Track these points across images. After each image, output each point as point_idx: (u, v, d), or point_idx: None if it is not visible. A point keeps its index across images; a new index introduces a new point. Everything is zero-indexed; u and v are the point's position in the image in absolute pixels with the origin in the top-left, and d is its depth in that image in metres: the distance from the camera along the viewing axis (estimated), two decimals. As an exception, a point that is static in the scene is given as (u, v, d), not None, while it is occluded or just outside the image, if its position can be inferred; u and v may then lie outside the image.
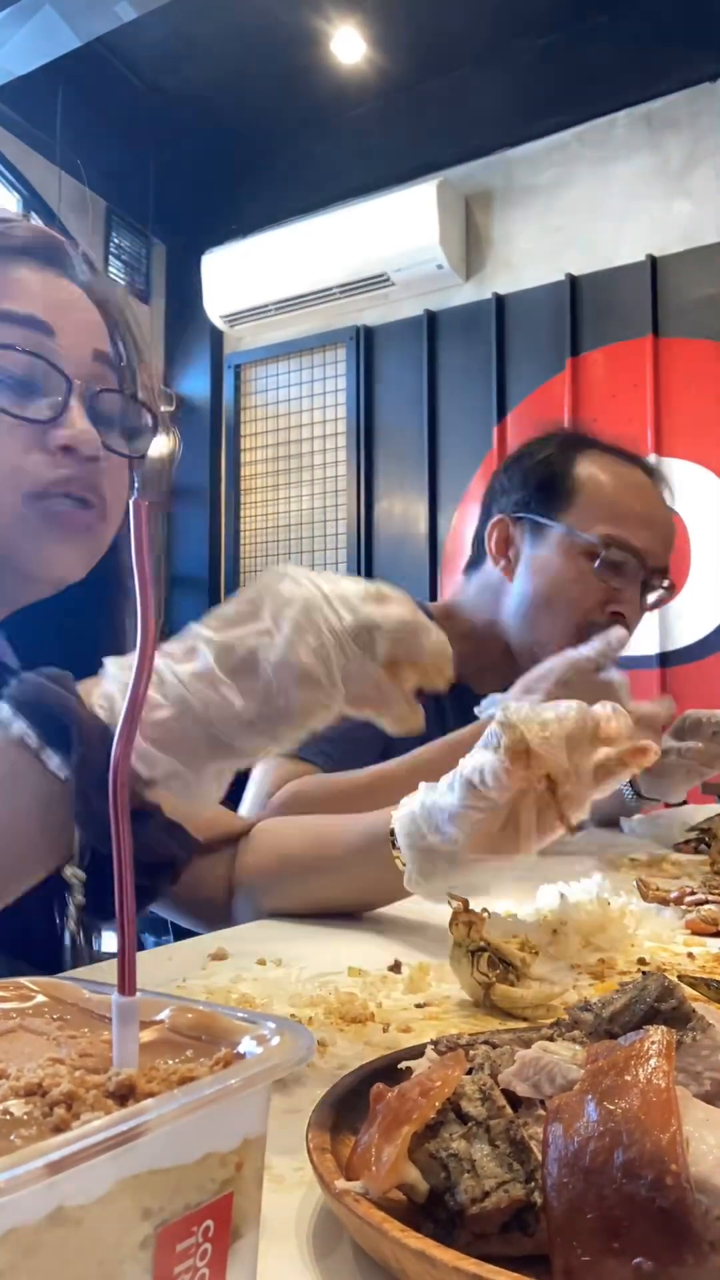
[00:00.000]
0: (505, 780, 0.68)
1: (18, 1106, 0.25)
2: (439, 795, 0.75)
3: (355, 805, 0.93)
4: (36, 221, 0.82)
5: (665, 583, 1.37)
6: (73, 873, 0.51)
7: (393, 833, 0.79)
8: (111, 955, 0.73)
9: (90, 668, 0.61)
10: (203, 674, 0.52)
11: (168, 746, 0.51)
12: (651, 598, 1.37)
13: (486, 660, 1.35)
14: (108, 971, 0.70)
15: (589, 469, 1.35)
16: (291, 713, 0.52)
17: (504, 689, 1.39)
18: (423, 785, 0.79)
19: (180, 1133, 0.24)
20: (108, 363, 0.78)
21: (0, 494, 0.71)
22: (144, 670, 0.32)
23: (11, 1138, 0.23)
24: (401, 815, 0.78)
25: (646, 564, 1.34)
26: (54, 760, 0.52)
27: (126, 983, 0.29)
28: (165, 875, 0.54)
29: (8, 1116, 0.25)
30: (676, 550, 3.69)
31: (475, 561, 1.42)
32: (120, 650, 0.76)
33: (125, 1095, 0.26)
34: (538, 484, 1.36)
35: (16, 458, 0.71)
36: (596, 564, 1.30)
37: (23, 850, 0.53)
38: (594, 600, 1.31)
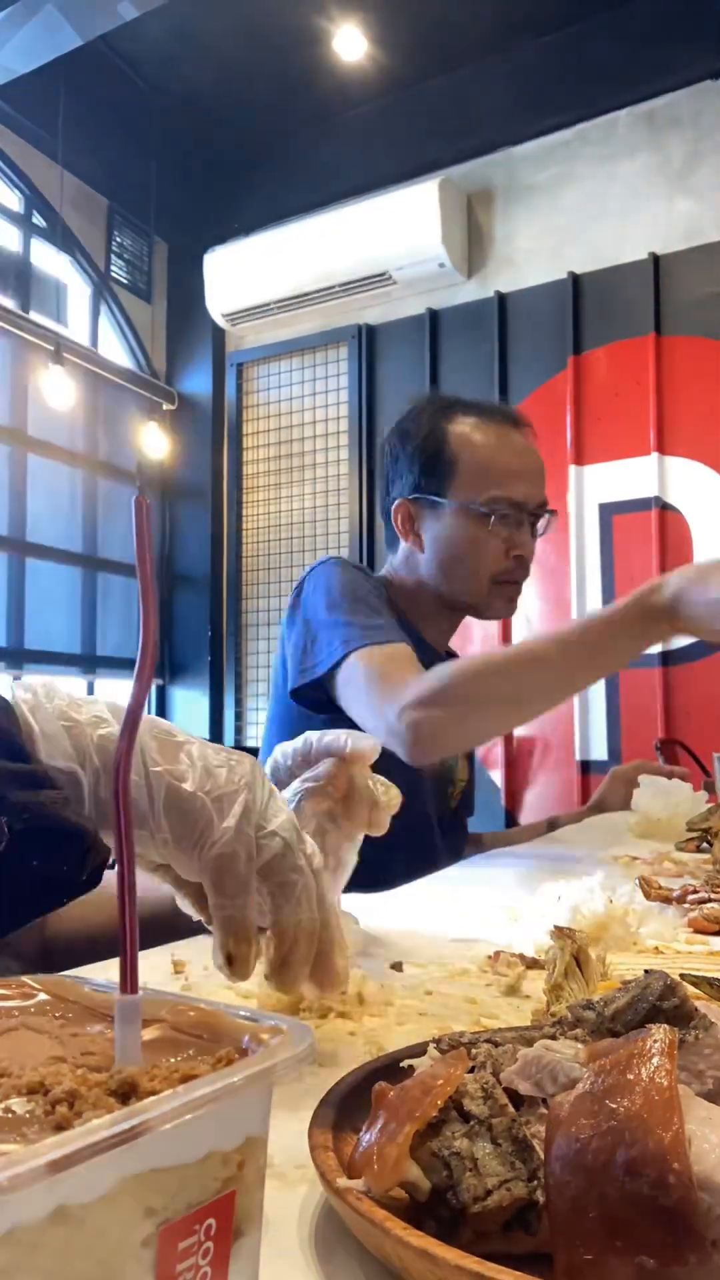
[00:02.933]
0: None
1: (20, 1105, 0.25)
2: None
3: (514, 678, 1.21)
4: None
5: (548, 512, 1.56)
6: None
7: None
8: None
9: None
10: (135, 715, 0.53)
11: (74, 744, 0.51)
12: (540, 526, 1.56)
13: (426, 614, 1.58)
14: (109, 969, 0.70)
15: (461, 439, 1.51)
16: (183, 808, 0.51)
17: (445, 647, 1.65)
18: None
19: (182, 1131, 0.24)
20: None
21: None
22: (146, 669, 0.32)
23: (13, 1136, 0.23)
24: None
25: (529, 508, 1.52)
26: None
27: (128, 981, 0.29)
28: (75, 852, 0.49)
29: (10, 1115, 0.24)
30: (677, 550, 3.70)
31: (394, 537, 1.61)
32: None
33: (127, 1093, 0.26)
34: (423, 465, 1.52)
35: None
36: (490, 525, 1.49)
37: None
38: (496, 553, 1.50)
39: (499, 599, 1.54)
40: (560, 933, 0.67)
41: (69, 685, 0.53)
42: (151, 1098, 0.25)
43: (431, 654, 1.55)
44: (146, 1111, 0.24)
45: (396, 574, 1.60)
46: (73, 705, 0.52)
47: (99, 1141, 0.22)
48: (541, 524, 1.55)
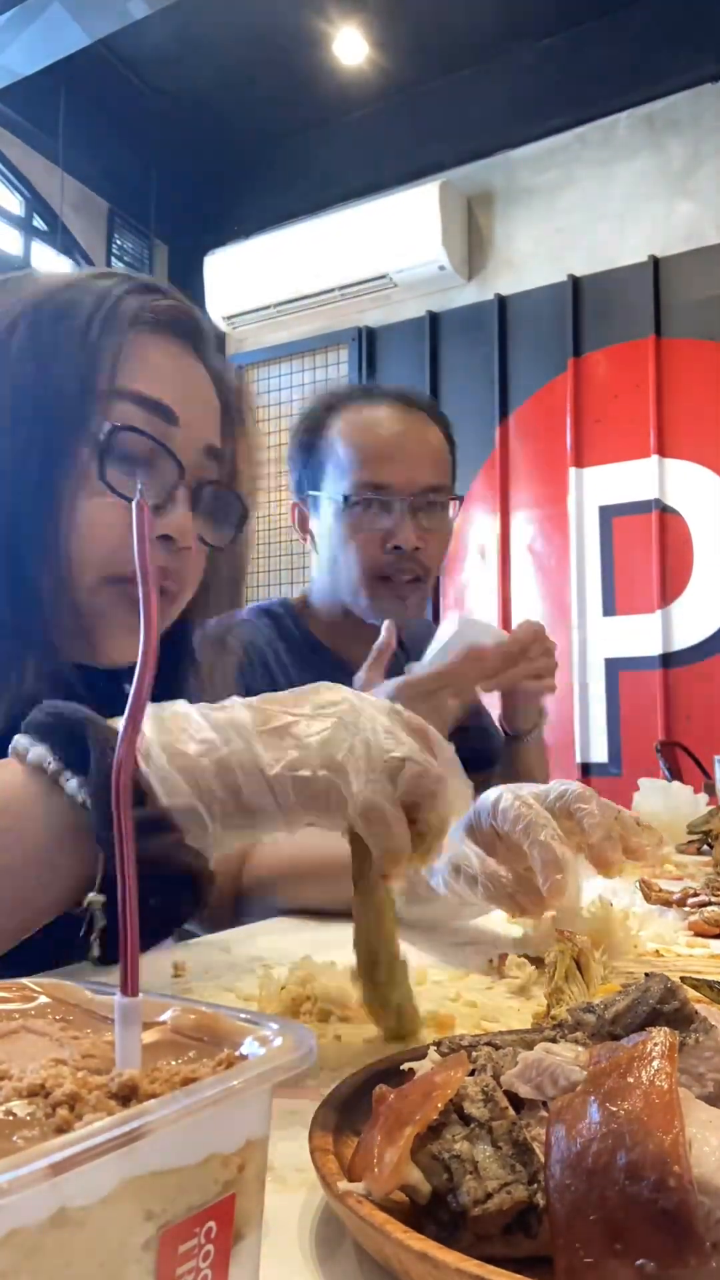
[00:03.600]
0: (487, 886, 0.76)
1: (20, 1107, 0.25)
2: None
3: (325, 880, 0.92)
4: (175, 292, 0.81)
5: (439, 497, 1.40)
6: (93, 898, 0.48)
7: None
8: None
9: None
10: (237, 724, 0.53)
11: (189, 780, 0.51)
12: (427, 515, 1.39)
13: (345, 630, 1.42)
14: (110, 972, 0.70)
15: (335, 428, 1.41)
16: (311, 792, 0.52)
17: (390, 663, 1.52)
18: None
19: (183, 1134, 0.24)
20: (214, 456, 0.80)
21: (87, 571, 0.72)
22: (146, 670, 0.32)
23: (14, 1139, 0.23)
24: None
25: (406, 492, 1.37)
26: (72, 784, 0.51)
27: (129, 983, 0.29)
28: (187, 891, 0.52)
29: (10, 1117, 0.24)
30: (677, 552, 3.68)
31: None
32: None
33: (128, 1096, 0.26)
34: (304, 461, 1.44)
35: (114, 539, 0.72)
36: (361, 512, 1.36)
37: (45, 878, 0.52)
38: (374, 545, 1.37)
39: (385, 599, 1.38)
40: (561, 936, 0.67)
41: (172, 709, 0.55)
42: (152, 1100, 0.25)
43: (340, 665, 1.37)
44: (147, 1114, 0.24)
45: (315, 592, 1.48)
46: (181, 736, 0.52)
47: (100, 1144, 0.22)
48: (433, 511, 1.39)
